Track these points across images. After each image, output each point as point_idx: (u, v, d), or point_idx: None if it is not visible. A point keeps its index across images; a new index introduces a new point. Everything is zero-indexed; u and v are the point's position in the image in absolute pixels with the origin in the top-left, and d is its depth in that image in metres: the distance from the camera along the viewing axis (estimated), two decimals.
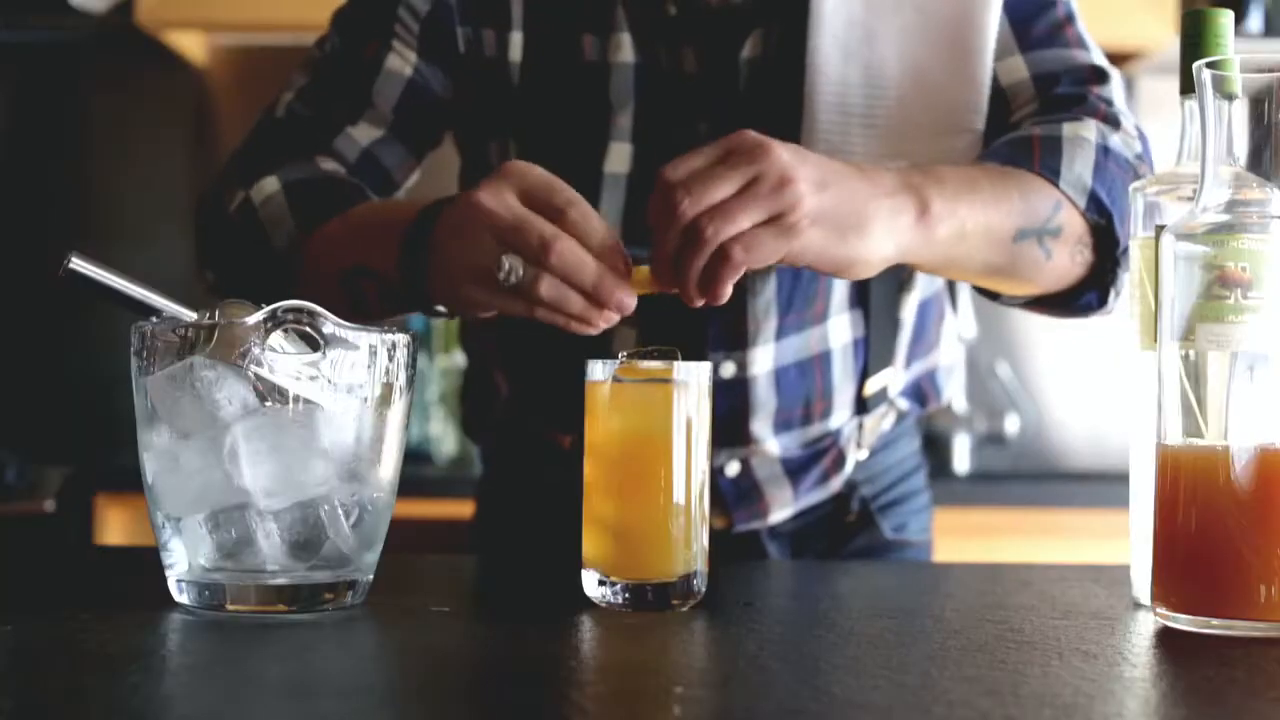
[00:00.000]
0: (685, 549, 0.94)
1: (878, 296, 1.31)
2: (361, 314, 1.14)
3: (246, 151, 1.30)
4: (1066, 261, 1.13)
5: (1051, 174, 1.09)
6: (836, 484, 1.35)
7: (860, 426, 1.35)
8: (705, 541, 0.96)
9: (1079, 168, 1.11)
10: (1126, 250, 1.12)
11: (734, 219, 0.95)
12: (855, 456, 1.36)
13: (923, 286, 1.36)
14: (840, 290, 1.29)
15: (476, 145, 1.32)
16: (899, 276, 1.32)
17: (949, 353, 1.43)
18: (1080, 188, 1.10)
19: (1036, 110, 1.21)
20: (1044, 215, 1.10)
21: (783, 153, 0.96)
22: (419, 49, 1.28)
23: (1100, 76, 1.23)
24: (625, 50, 1.25)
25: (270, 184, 1.23)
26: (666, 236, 0.97)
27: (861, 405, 1.33)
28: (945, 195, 1.03)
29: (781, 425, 1.30)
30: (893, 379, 1.36)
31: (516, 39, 1.26)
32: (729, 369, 1.26)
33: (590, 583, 0.96)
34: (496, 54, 1.27)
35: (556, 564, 1.06)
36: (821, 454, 1.33)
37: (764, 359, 1.27)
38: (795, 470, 1.32)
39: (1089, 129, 1.14)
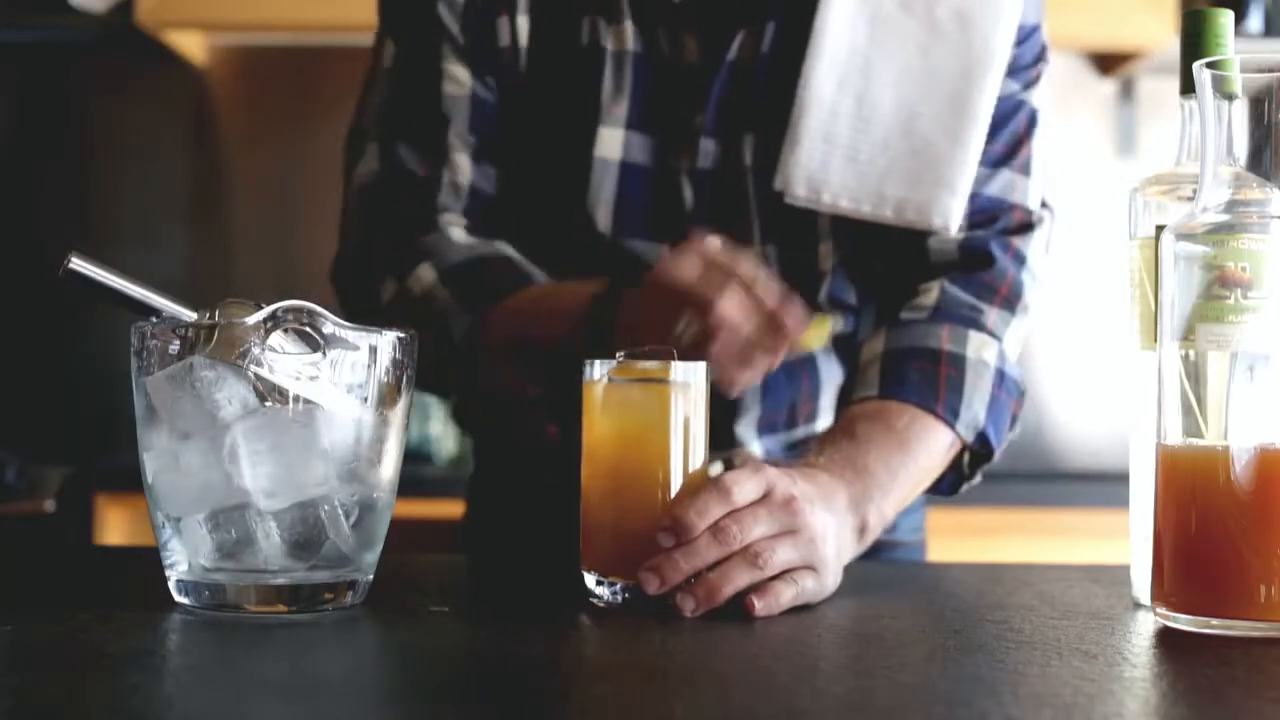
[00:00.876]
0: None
1: (863, 298, 1.31)
2: (527, 385, 1.20)
3: (367, 224, 1.29)
4: (940, 470, 1.21)
5: (951, 415, 1.16)
6: None
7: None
8: None
9: (976, 405, 1.18)
10: (991, 460, 1.21)
11: (764, 556, 0.96)
12: None
13: None
14: (825, 291, 1.29)
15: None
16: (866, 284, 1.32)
17: None
18: (973, 428, 1.18)
19: (956, 261, 1.25)
20: (941, 463, 1.18)
21: (806, 509, 0.98)
22: (470, 65, 1.28)
23: (1025, 228, 1.27)
24: (627, 38, 1.25)
25: (427, 273, 1.23)
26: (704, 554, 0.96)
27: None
28: (882, 510, 1.10)
29: (766, 428, 1.30)
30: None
31: (523, 23, 1.26)
32: (714, 371, 1.25)
33: (589, 582, 0.96)
34: (510, 42, 1.27)
35: (555, 564, 1.06)
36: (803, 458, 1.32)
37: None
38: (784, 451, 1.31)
39: (990, 350, 1.21)
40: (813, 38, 1.22)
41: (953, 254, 1.25)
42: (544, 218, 1.28)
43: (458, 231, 1.26)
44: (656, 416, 0.95)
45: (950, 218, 1.23)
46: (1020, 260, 1.26)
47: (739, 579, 0.94)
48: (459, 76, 1.27)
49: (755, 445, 1.29)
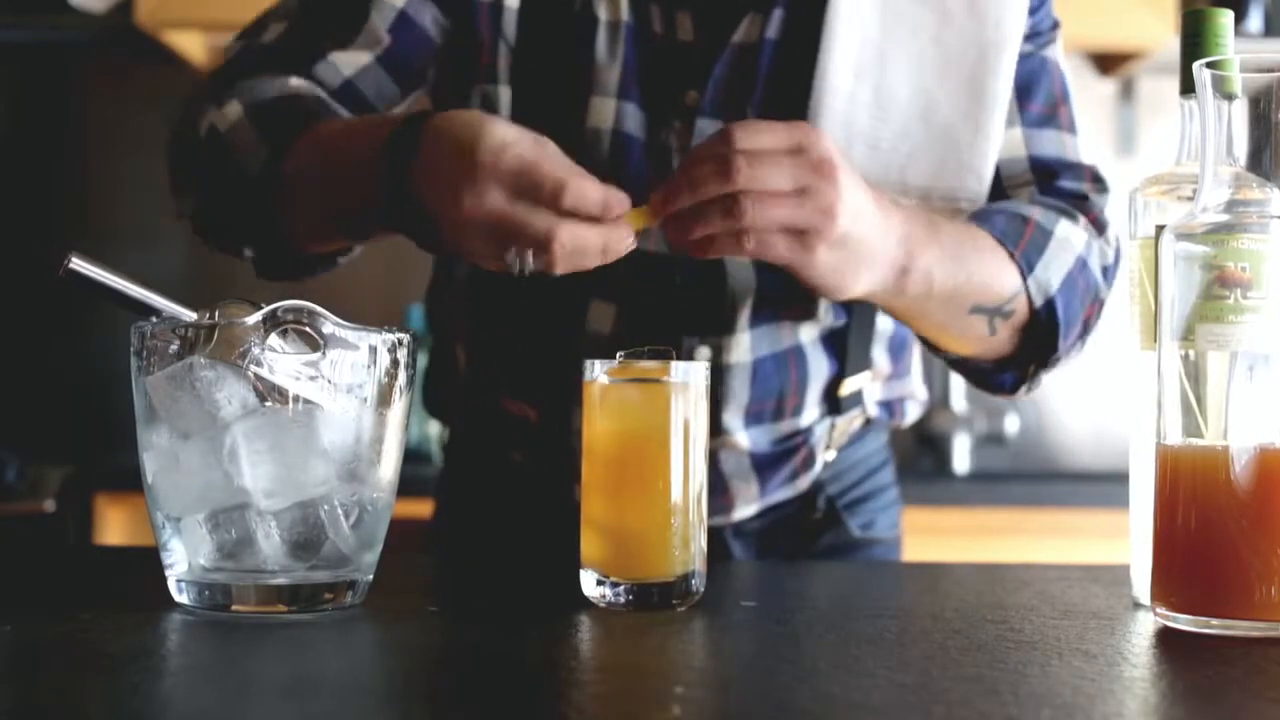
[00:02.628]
0: (684, 549, 0.95)
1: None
2: (350, 235, 1.16)
3: (221, 74, 1.26)
4: (1005, 340, 1.20)
5: (1026, 266, 1.16)
6: (804, 483, 1.33)
7: (833, 427, 1.33)
8: (703, 542, 0.96)
9: (1052, 271, 1.17)
10: (1056, 361, 1.20)
11: (771, 216, 0.98)
12: (825, 457, 1.35)
13: None
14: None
15: (458, 90, 1.28)
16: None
17: (920, 384, 1.42)
18: (1043, 291, 1.17)
19: (1036, 193, 1.26)
20: (1003, 299, 1.17)
21: (842, 176, 0.99)
22: None
23: (1100, 184, 1.28)
24: (621, 8, 1.23)
25: (233, 109, 1.19)
26: (701, 188, 0.98)
27: (835, 405, 1.32)
28: (929, 258, 1.08)
29: (752, 418, 1.28)
30: (869, 385, 1.34)
31: None
32: (704, 354, 1.25)
33: (589, 582, 0.96)
34: None
35: (554, 563, 1.06)
36: (792, 452, 1.31)
37: (740, 347, 1.25)
38: (763, 466, 1.30)
39: (1079, 237, 1.20)
40: (825, 28, 1.21)
41: (1033, 201, 1.25)
42: None
43: (299, 84, 1.22)
44: (656, 417, 0.95)
45: (977, 203, 1.24)
46: (1101, 209, 1.26)
47: (714, 223, 0.95)
48: None
49: (741, 435, 1.28)
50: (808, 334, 1.29)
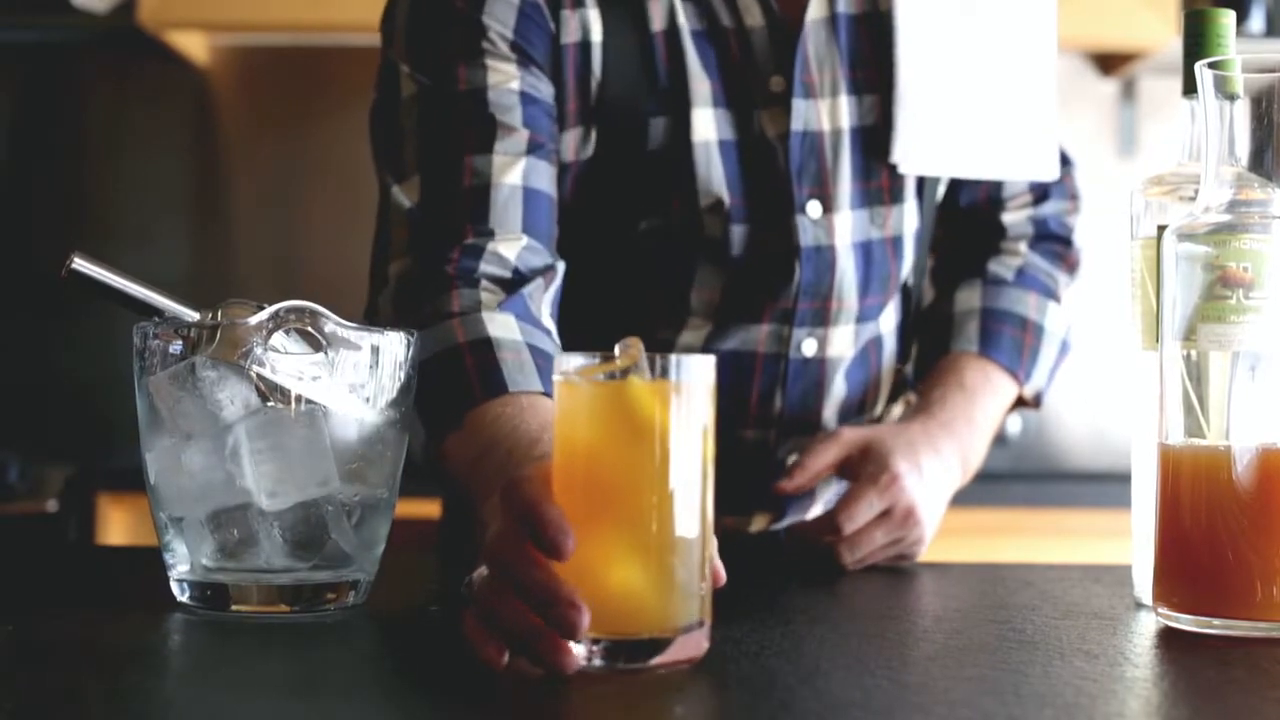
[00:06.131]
0: (678, 596, 0.76)
1: (915, 277, 1.34)
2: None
3: (414, 251, 1.16)
4: None
5: (1026, 378, 1.33)
6: None
7: (890, 413, 1.36)
8: (705, 586, 0.78)
9: (1039, 374, 1.34)
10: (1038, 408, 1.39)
11: (872, 561, 1.19)
12: None
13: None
14: (909, 259, 1.30)
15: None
16: (922, 263, 1.35)
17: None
18: (1035, 389, 1.35)
19: (1032, 234, 1.38)
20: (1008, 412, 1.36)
21: (922, 513, 1.19)
22: (518, 64, 1.18)
23: (1066, 162, 1.40)
24: (676, 12, 1.21)
25: (503, 326, 1.09)
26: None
27: (898, 390, 1.35)
28: (978, 451, 1.29)
29: (843, 416, 1.30)
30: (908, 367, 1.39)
31: (594, 16, 1.19)
32: (811, 346, 1.25)
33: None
34: (581, 38, 1.19)
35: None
36: None
37: (842, 341, 1.27)
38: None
39: (1063, 325, 1.36)
40: (894, 7, 1.23)
41: (1028, 228, 1.38)
42: (635, 215, 1.22)
43: (487, 296, 1.12)
44: (632, 425, 0.75)
45: (1054, 164, 1.32)
46: (1073, 233, 1.42)
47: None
48: (506, 71, 1.17)
49: (850, 329, 1.28)
50: (883, 325, 1.31)
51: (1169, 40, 2.74)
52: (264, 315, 0.90)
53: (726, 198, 1.20)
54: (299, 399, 0.91)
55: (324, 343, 0.91)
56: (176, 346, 0.91)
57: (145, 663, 0.79)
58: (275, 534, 0.90)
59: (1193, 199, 0.94)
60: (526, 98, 1.17)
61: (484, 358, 1.06)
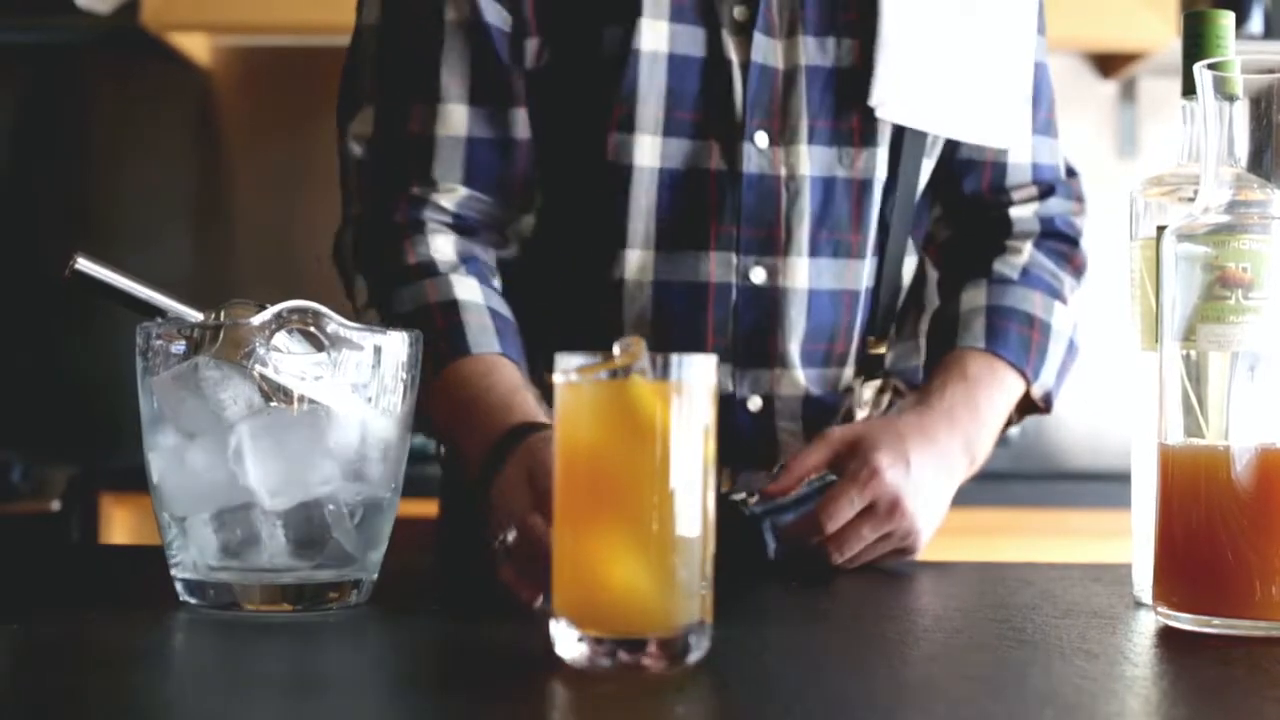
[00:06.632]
0: (678, 596, 0.76)
1: (893, 246, 1.33)
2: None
3: (369, 196, 1.26)
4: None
5: (1034, 376, 1.32)
6: None
7: (863, 390, 1.34)
8: (706, 589, 0.78)
9: (1048, 373, 1.33)
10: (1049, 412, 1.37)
11: (864, 560, 1.18)
12: None
13: (911, 263, 1.38)
14: (872, 233, 1.30)
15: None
16: (907, 236, 1.34)
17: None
18: (1044, 388, 1.33)
19: (1038, 231, 1.38)
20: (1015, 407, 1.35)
21: (910, 504, 1.17)
22: None
23: (1081, 201, 1.41)
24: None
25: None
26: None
27: (868, 365, 1.33)
28: (983, 442, 1.27)
29: (808, 356, 1.29)
30: (888, 350, 1.37)
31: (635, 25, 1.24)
32: (760, 274, 1.26)
33: (561, 634, 0.77)
34: (619, 47, 1.23)
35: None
36: (837, 408, 1.32)
37: (798, 272, 1.27)
38: (813, 419, 1.30)
39: (1069, 324, 1.36)
40: None
41: (1034, 225, 1.38)
42: (574, 127, 1.26)
43: (439, 243, 1.23)
44: (634, 424, 0.76)
45: (1024, 136, 1.33)
46: (1080, 235, 1.41)
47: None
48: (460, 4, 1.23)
49: (798, 372, 1.28)
50: (862, 280, 1.30)
51: (1169, 41, 2.75)
52: (267, 315, 0.91)
53: (662, 112, 1.23)
54: (302, 399, 0.91)
55: (326, 343, 0.91)
56: (179, 347, 0.91)
57: (148, 662, 0.80)
58: (278, 533, 0.91)
59: (1192, 200, 0.94)
60: (478, 34, 1.23)
61: (452, 319, 1.18)
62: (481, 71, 1.23)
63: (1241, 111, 0.88)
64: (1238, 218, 0.88)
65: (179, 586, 0.93)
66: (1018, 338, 1.32)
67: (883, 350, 1.36)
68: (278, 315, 0.91)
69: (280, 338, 0.91)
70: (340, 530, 0.92)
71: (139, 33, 2.86)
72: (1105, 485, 2.55)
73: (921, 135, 1.30)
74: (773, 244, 1.26)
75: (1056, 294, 1.36)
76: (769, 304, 1.26)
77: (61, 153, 3.14)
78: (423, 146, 1.23)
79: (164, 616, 0.90)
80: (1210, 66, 0.88)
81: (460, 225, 1.24)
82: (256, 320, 0.90)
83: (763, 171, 1.25)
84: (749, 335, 1.26)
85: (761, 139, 1.24)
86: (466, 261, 1.23)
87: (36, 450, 2.71)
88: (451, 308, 1.18)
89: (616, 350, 0.77)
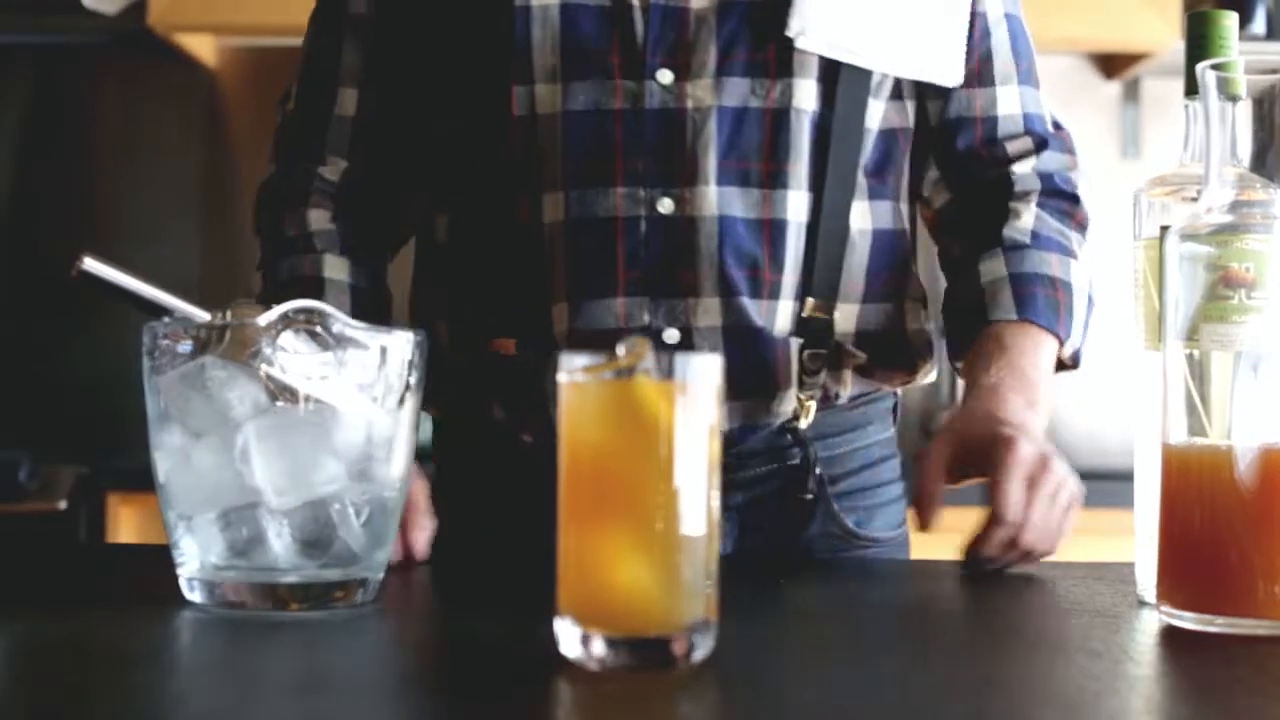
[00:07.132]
0: (683, 595, 0.76)
1: (833, 182, 1.29)
2: None
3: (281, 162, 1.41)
4: None
5: (1065, 335, 1.34)
6: (784, 408, 1.29)
7: (803, 353, 1.29)
8: (712, 587, 0.78)
9: (1076, 333, 1.35)
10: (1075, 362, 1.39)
11: (1060, 529, 1.19)
12: (801, 396, 1.29)
13: (874, 214, 1.34)
14: (798, 166, 1.27)
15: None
16: (854, 176, 1.31)
17: (915, 315, 1.38)
18: (1072, 347, 1.35)
19: (1032, 149, 1.38)
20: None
21: (1051, 452, 1.22)
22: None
23: (1074, 153, 1.41)
24: None
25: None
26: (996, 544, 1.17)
27: (809, 332, 1.29)
28: (1043, 403, 1.31)
29: (724, 286, 1.26)
30: (842, 318, 1.31)
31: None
32: (667, 205, 1.25)
33: (565, 634, 0.78)
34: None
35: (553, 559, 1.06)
36: (764, 351, 1.27)
37: (705, 200, 1.25)
38: (736, 349, 1.25)
39: (1086, 279, 1.37)
40: None
41: (1034, 183, 1.38)
42: (477, 85, 1.30)
43: (316, 216, 1.35)
44: (638, 423, 0.76)
45: (959, 71, 1.33)
46: (1078, 190, 1.41)
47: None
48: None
49: (712, 302, 1.26)
50: (789, 211, 1.27)
51: (1171, 42, 2.75)
52: (273, 315, 0.91)
53: (558, 59, 1.25)
54: (308, 398, 0.91)
55: (332, 342, 0.92)
56: (186, 346, 0.91)
57: (155, 661, 0.80)
58: (284, 533, 0.91)
59: (1195, 200, 0.94)
60: (369, 22, 1.36)
61: (316, 296, 1.24)
62: (375, 56, 1.36)
63: (1244, 112, 0.88)
64: (1241, 218, 0.88)
65: (185, 585, 0.93)
66: (1045, 301, 1.33)
67: (828, 318, 1.30)
68: (284, 315, 0.91)
69: (286, 337, 0.91)
70: (346, 529, 0.92)
71: (146, 34, 2.87)
72: (1108, 484, 2.53)
73: (863, 73, 1.29)
74: (678, 174, 1.25)
75: (1069, 252, 1.36)
76: (678, 233, 1.25)
77: (68, 153, 3.15)
78: (317, 122, 1.37)
79: (170, 615, 0.90)
80: (1213, 67, 0.88)
81: (343, 197, 1.36)
82: (263, 320, 0.91)
83: (665, 105, 1.25)
84: (660, 265, 1.25)
85: (665, 75, 1.25)
86: (343, 236, 1.35)
87: (44, 450, 2.72)
88: (318, 284, 1.31)
89: (621, 350, 0.77)
